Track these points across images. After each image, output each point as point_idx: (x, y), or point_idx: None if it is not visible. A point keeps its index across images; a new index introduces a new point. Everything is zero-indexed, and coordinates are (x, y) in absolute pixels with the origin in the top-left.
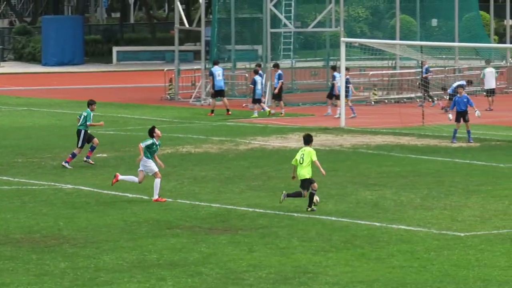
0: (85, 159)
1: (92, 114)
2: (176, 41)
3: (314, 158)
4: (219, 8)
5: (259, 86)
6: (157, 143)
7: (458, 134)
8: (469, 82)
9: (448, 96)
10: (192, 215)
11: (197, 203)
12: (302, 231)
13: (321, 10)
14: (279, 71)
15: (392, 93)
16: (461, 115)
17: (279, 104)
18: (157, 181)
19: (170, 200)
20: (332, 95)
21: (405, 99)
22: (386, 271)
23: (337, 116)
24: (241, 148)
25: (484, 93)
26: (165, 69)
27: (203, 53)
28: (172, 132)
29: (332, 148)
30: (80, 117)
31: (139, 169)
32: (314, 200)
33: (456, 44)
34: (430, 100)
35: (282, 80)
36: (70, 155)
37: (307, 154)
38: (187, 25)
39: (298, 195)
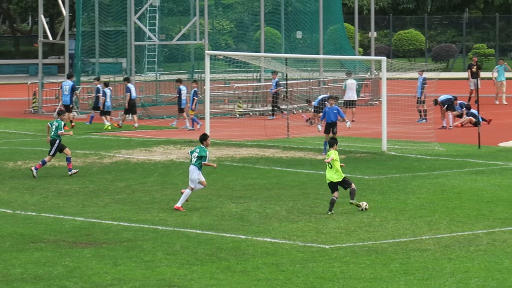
0: (69, 173)
1: (63, 124)
2: (40, 54)
3: (335, 157)
4: (83, 21)
5: (108, 99)
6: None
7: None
8: (335, 98)
9: (313, 109)
10: (56, 228)
11: (61, 216)
12: (167, 244)
13: (185, 22)
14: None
15: (257, 106)
16: (331, 126)
17: (132, 117)
18: (189, 192)
19: (34, 214)
20: (180, 108)
21: (270, 112)
22: (252, 283)
23: (187, 128)
24: (105, 161)
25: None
26: (29, 82)
27: (67, 66)
28: (36, 146)
29: None
30: (52, 126)
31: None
32: (361, 205)
33: (321, 56)
34: (279, 112)
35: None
36: (40, 162)
37: (333, 156)
38: (51, 38)
39: (332, 203)
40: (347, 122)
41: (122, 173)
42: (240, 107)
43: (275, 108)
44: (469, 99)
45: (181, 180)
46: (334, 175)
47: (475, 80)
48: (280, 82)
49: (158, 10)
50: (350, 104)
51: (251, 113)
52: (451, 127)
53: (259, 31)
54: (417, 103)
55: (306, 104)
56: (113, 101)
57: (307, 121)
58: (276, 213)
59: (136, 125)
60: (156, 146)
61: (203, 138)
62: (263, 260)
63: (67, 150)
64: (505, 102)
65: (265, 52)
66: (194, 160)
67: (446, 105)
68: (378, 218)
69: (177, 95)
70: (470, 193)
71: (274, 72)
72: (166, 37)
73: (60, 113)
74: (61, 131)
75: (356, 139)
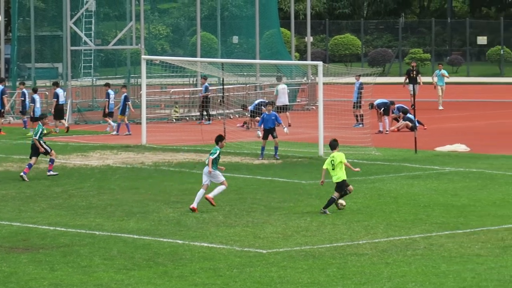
0: (48, 174)
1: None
2: None
3: (344, 161)
4: (18, 26)
5: (38, 105)
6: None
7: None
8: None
9: (249, 114)
10: None
11: None
12: (104, 249)
13: (121, 27)
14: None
15: (193, 111)
16: (269, 132)
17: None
18: (223, 187)
19: None
20: (109, 112)
21: (203, 117)
22: None
23: (113, 133)
24: (41, 166)
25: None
26: None
27: (3, 71)
28: None
29: (133, 165)
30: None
31: (204, 182)
32: (340, 204)
33: (257, 61)
34: (206, 118)
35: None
36: (50, 163)
37: (337, 158)
38: None
39: (331, 202)
40: (284, 128)
41: (59, 178)
42: (177, 112)
43: (206, 113)
44: (412, 105)
45: (118, 185)
46: (337, 174)
47: (414, 85)
48: (210, 88)
49: (94, 15)
50: (283, 109)
51: (187, 118)
52: (387, 132)
53: (195, 36)
54: (354, 107)
55: (242, 109)
56: (49, 106)
57: (242, 125)
58: (213, 218)
59: (57, 130)
60: (93, 151)
61: (219, 139)
62: (200, 265)
63: (53, 153)
64: (441, 107)
65: (201, 57)
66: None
67: (382, 109)
68: (315, 223)
69: (107, 99)
70: (407, 197)
71: (204, 77)
72: (102, 42)
73: (42, 117)
74: (36, 137)
75: (293, 144)
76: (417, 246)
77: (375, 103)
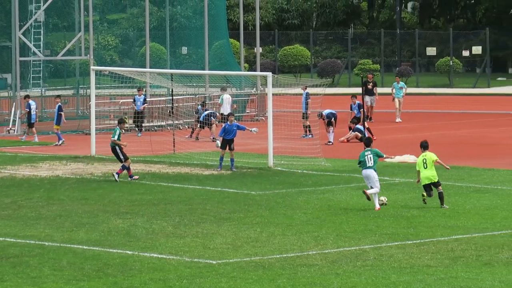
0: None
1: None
2: None
3: (436, 158)
4: None
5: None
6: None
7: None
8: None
9: (199, 124)
10: None
11: None
12: (54, 260)
13: (70, 38)
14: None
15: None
16: (228, 143)
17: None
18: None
19: None
20: (30, 123)
21: (156, 127)
22: None
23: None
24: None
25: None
26: None
27: None
28: None
29: (83, 176)
30: None
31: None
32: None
33: (206, 72)
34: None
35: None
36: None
37: (429, 158)
38: None
39: (441, 197)
40: (251, 129)
41: (8, 188)
42: (126, 122)
43: (138, 125)
44: (368, 116)
45: (67, 196)
46: (428, 174)
47: (371, 97)
48: (153, 99)
49: (43, 25)
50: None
51: (136, 129)
52: (331, 143)
53: (144, 46)
54: (303, 118)
55: (193, 120)
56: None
57: (190, 136)
58: (163, 228)
59: (23, 138)
60: (42, 162)
61: (368, 142)
62: (150, 276)
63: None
64: (399, 120)
65: (150, 67)
66: (370, 163)
67: (326, 120)
68: (265, 234)
69: (27, 110)
70: (357, 208)
71: (140, 89)
72: (51, 53)
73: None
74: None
75: (242, 154)
76: (367, 256)
77: (324, 113)
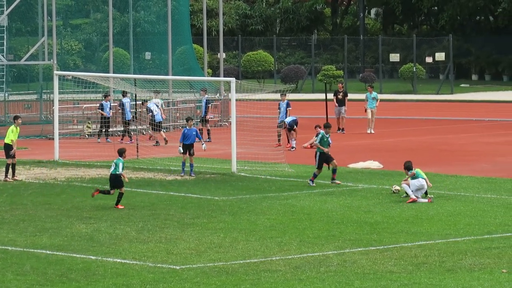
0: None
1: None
2: None
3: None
4: None
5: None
6: None
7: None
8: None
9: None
10: None
11: None
12: (17, 264)
13: (33, 42)
14: None
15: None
16: (187, 148)
17: None
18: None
19: None
20: None
21: (119, 132)
22: None
23: None
24: None
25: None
26: None
27: None
28: None
29: (46, 181)
30: None
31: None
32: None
33: (169, 77)
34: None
35: None
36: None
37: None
38: None
39: None
40: (203, 144)
41: None
42: (89, 127)
43: (107, 131)
44: (339, 128)
45: (31, 201)
46: None
47: (341, 107)
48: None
49: (6, 30)
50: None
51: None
52: (294, 148)
53: (107, 51)
54: (279, 127)
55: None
56: None
57: (150, 138)
58: (126, 233)
59: None
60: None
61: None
62: (113, 281)
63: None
64: (371, 131)
65: (114, 72)
66: None
67: (288, 128)
68: (229, 239)
69: None
70: (320, 214)
71: (108, 95)
72: (14, 57)
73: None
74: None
75: (206, 160)
76: (330, 262)
77: (287, 121)
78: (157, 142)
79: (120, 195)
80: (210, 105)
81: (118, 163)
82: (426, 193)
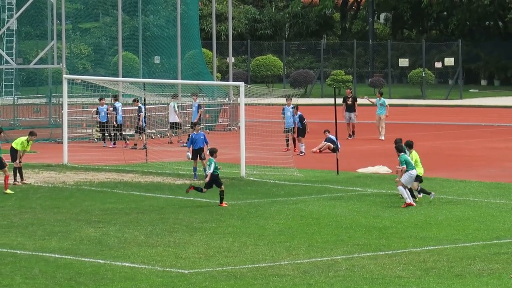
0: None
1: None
2: None
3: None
4: None
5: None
6: None
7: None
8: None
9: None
10: None
11: None
12: (26, 268)
13: (43, 46)
14: None
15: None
16: (197, 153)
17: None
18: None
19: None
20: None
21: (128, 136)
22: None
23: None
24: None
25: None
26: None
27: None
28: None
29: (55, 185)
30: None
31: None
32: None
33: (179, 81)
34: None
35: None
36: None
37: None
38: None
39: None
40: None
41: None
42: (98, 131)
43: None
44: (350, 134)
45: (39, 204)
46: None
47: (351, 113)
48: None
49: (15, 33)
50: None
51: (109, 138)
52: (303, 153)
53: (117, 55)
54: (287, 132)
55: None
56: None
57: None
58: (135, 237)
59: None
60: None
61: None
62: (122, 285)
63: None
64: (382, 138)
65: (123, 76)
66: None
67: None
68: (237, 243)
69: None
70: (329, 218)
71: (103, 98)
72: (23, 61)
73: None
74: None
75: None
76: (339, 267)
77: (295, 119)
78: (138, 146)
79: (221, 192)
80: (201, 110)
81: (211, 163)
82: (413, 195)
